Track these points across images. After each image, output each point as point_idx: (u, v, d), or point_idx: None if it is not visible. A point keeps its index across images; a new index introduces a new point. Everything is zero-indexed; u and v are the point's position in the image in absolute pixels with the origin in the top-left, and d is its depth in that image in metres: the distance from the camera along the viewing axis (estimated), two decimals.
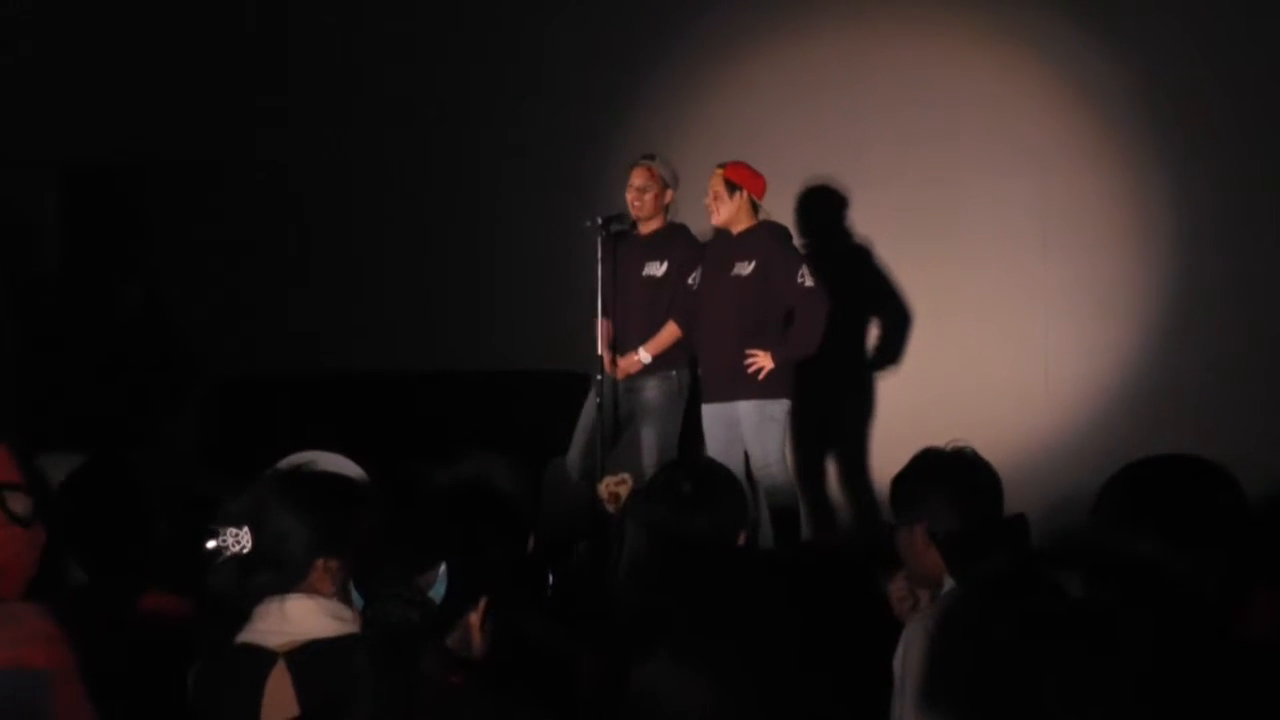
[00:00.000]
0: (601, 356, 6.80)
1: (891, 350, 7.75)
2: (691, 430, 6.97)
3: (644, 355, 6.82)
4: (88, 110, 8.72)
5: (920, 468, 3.47)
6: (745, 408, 6.62)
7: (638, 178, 6.93)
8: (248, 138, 8.82)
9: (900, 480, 3.50)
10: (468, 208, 8.52)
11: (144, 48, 8.90)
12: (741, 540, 3.23)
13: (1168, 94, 7.37)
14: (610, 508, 4.52)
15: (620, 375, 6.86)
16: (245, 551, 2.82)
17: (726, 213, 6.73)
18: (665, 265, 6.89)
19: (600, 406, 6.75)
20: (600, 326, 6.86)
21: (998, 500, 3.42)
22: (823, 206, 7.79)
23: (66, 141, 8.68)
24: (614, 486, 4.56)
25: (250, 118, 8.82)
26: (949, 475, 3.39)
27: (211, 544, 2.84)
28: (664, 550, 3.20)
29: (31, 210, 8.60)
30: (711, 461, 5.75)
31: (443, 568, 2.50)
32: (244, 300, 8.73)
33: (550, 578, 3.11)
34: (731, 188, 6.70)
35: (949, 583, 3.27)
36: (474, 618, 2.55)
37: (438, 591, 2.48)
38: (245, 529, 2.82)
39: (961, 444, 3.44)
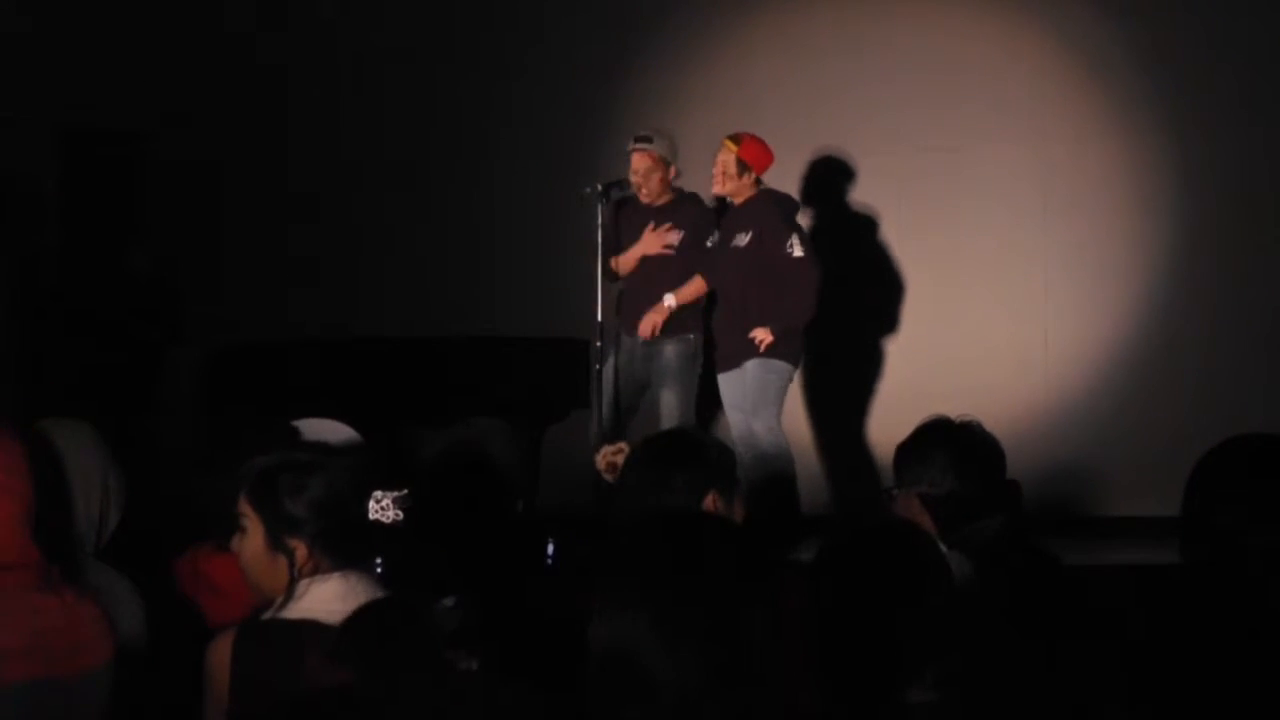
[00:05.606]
0: (602, 323, 6.77)
1: (891, 316, 7.75)
2: (704, 395, 6.97)
3: (669, 300, 6.77)
4: (89, 73, 8.69)
5: (923, 435, 3.47)
6: (750, 365, 6.63)
7: (639, 163, 6.82)
8: (249, 103, 8.80)
9: (903, 447, 3.51)
10: (468, 173, 8.51)
11: (144, 9, 8.87)
12: (709, 503, 3.22)
13: (1169, 61, 7.36)
14: (609, 478, 4.50)
15: (647, 328, 6.77)
16: (399, 520, 2.77)
17: (731, 187, 6.73)
18: (682, 233, 6.87)
19: (600, 373, 6.74)
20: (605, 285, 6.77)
21: (997, 472, 3.43)
22: (823, 173, 7.78)
23: (67, 104, 8.66)
24: (611, 456, 4.53)
25: (251, 81, 8.79)
26: (949, 443, 3.40)
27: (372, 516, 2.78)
28: (625, 514, 3.21)
29: (32, 175, 8.57)
30: (684, 429, 5.78)
31: None
32: (245, 266, 8.72)
33: (550, 545, 3.10)
34: (742, 168, 6.68)
35: (941, 548, 3.27)
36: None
37: None
38: (390, 499, 2.77)
39: (969, 417, 3.45)
